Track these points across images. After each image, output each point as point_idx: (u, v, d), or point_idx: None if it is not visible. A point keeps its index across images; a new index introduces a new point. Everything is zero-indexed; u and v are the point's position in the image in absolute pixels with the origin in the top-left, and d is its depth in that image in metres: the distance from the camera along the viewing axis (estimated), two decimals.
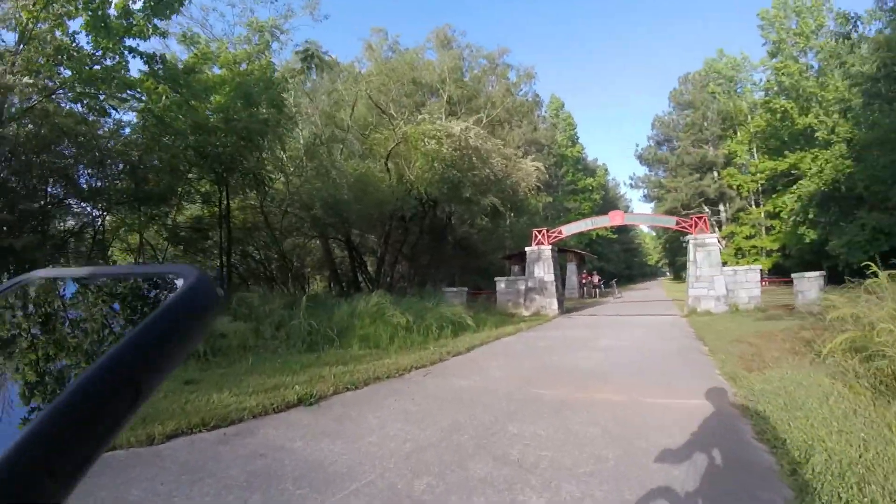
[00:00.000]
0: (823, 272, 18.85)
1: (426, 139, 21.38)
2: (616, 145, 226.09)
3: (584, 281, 38.59)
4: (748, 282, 19.53)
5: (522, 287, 22.29)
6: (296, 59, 21.60)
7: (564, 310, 22.30)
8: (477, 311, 18.71)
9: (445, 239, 31.86)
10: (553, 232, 22.67)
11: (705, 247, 19.69)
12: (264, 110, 16.49)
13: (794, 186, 38.05)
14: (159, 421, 5.54)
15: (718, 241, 19.98)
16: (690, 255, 19.83)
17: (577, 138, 63.34)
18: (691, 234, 20.17)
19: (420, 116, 23.44)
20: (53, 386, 0.60)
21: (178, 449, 5.04)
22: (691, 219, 20.74)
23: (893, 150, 28.62)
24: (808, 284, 18.27)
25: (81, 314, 0.73)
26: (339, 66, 27.44)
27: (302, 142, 23.59)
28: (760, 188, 45.89)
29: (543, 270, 21.67)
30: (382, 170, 23.93)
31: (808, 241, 36.53)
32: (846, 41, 37.50)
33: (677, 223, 21.96)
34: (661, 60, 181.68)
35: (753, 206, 48.18)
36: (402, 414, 6.26)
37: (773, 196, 43.57)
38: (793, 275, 19.14)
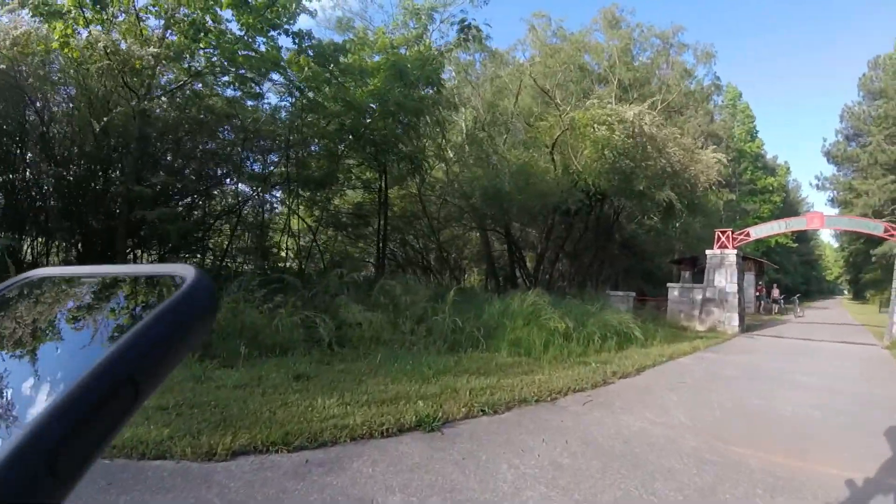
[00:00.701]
0: None
1: (595, 125, 19.67)
2: (797, 142, 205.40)
3: (758, 293, 34.19)
4: None
5: (699, 297, 19.46)
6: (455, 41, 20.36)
7: (745, 327, 19.27)
8: (644, 319, 16.56)
9: (611, 237, 29.61)
10: (739, 234, 19.69)
11: None
12: (421, 91, 15.62)
13: None
14: (234, 427, 4.44)
15: None
16: None
17: (757, 132, 57.29)
18: None
19: (588, 102, 21.35)
20: (53, 385, 0.57)
21: (237, 474, 3.81)
22: None
23: None
24: None
25: (81, 314, 0.71)
26: (501, 53, 26.26)
27: (464, 129, 22.52)
28: None
29: (725, 279, 18.80)
30: (547, 160, 22.28)
31: None
32: None
33: (886, 230, 18.14)
34: (848, 42, 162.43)
35: None
36: (550, 469, 4.38)
37: None
38: None
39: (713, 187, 26.79)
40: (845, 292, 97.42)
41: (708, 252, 19.82)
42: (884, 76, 45.12)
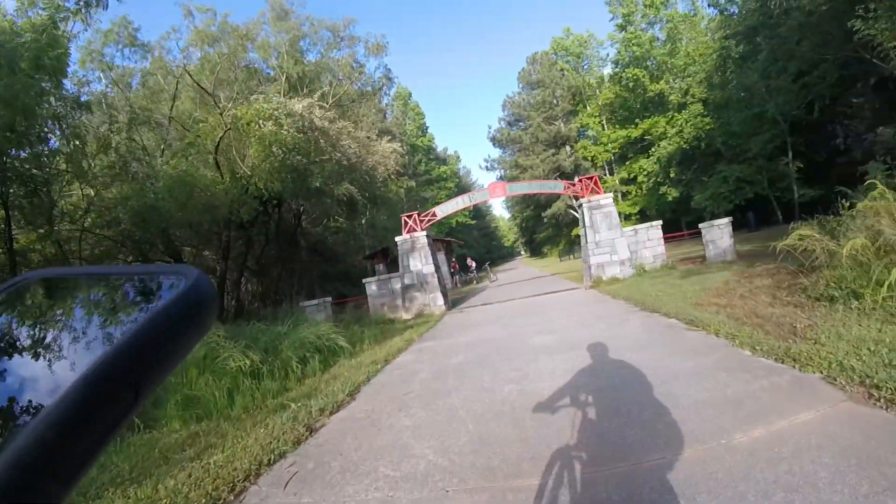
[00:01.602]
0: (731, 219, 17.07)
1: (262, 121, 17.42)
2: (467, 132, 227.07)
3: (453, 270, 35.45)
4: (650, 240, 17.27)
5: (398, 286, 18.33)
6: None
7: (451, 304, 18.72)
8: (347, 323, 14.95)
9: (297, 244, 27.54)
10: (426, 215, 19.01)
11: (601, 209, 17.08)
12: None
13: (653, 149, 39.92)
14: None
15: (614, 201, 17.37)
16: (586, 220, 17.14)
17: (427, 128, 61.79)
18: (583, 197, 17.47)
19: (253, 97, 18.96)
20: (52, 386, 0.58)
21: None
22: (580, 181, 18.04)
23: (746, 106, 31.41)
24: (719, 233, 16.48)
25: (80, 314, 0.69)
26: (152, 47, 23.11)
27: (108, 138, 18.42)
28: (613, 157, 46.32)
29: (421, 262, 17.96)
30: (212, 168, 19.38)
31: (669, 199, 38.81)
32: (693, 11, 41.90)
33: (566, 187, 19.22)
34: (506, 44, 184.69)
35: (608, 175, 48.22)
36: None
37: (627, 163, 44.77)
38: (700, 225, 17.15)
39: (392, 177, 26.50)
40: (522, 253, 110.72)
41: (398, 239, 18.73)
42: (541, 69, 52.99)
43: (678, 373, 5.27)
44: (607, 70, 49.66)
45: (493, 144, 58.56)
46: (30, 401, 0.55)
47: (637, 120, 42.80)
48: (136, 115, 19.82)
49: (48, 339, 0.67)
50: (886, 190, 7.79)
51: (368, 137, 24.46)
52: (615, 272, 16.50)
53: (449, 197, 56.30)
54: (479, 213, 79.16)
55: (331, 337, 10.67)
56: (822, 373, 4.43)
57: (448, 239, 39.94)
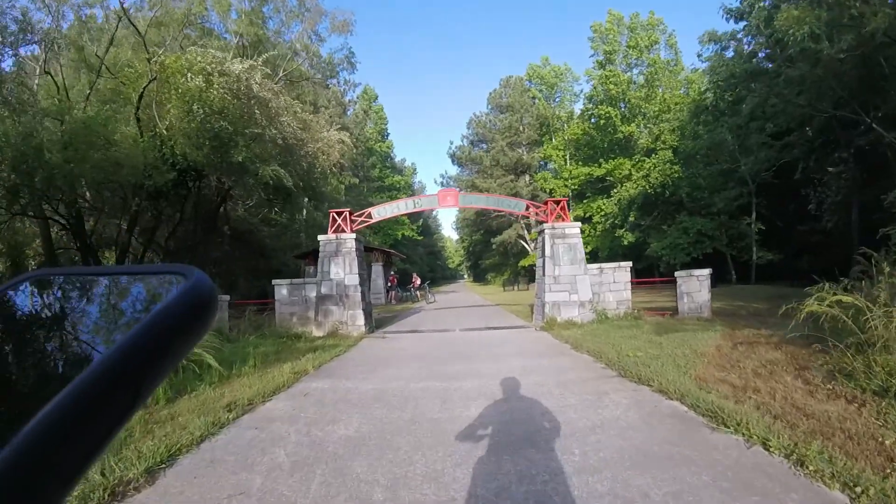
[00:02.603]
0: (710, 271, 14.76)
1: (191, 74, 14.90)
2: (427, 147, 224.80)
3: (389, 285, 32.38)
4: (616, 283, 14.70)
5: (313, 294, 14.98)
6: None
7: (373, 325, 15.49)
8: (244, 332, 12.30)
9: (216, 229, 24.21)
10: (359, 215, 15.84)
11: (566, 238, 14.41)
12: None
13: (614, 191, 38.91)
14: None
15: (581, 232, 14.85)
16: (546, 249, 14.42)
17: (388, 134, 59.04)
18: (546, 222, 14.81)
19: (190, 48, 16.09)
20: (53, 386, 0.50)
21: None
22: (546, 203, 15.35)
23: (716, 160, 32.10)
24: (697, 285, 14.25)
25: (81, 314, 0.68)
26: None
27: None
28: (571, 194, 44.88)
29: (344, 269, 14.70)
30: (132, 122, 16.51)
31: (625, 243, 37.54)
32: (674, 61, 42.04)
33: (528, 207, 16.45)
34: (482, 66, 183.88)
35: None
36: None
37: (584, 201, 43.85)
38: (677, 273, 14.81)
39: (334, 170, 23.53)
40: (466, 277, 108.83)
41: (321, 238, 15.09)
42: (512, 93, 50.98)
43: None
44: (579, 105, 48.71)
45: (453, 161, 56.22)
46: (30, 400, 0.51)
47: (601, 160, 41.54)
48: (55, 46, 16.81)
49: (48, 339, 0.66)
50: None
51: (316, 121, 21.65)
52: (573, 314, 13.86)
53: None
54: (427, 230, 76.42)
55: (201, 354, 7.62)
56: None
57: (389, 250, 36.86)
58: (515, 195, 47.77)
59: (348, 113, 45.21)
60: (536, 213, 15.72)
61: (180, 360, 0.49)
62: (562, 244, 14.28)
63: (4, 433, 0.44)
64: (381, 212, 16.27)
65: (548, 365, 8.41)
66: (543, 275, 14.44)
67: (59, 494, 0.39)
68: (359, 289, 14.51)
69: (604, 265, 15.00)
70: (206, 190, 23.35)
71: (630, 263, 15.13)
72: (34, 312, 0.71)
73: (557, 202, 15.11)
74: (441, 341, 12.10)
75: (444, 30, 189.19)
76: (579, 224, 14.85)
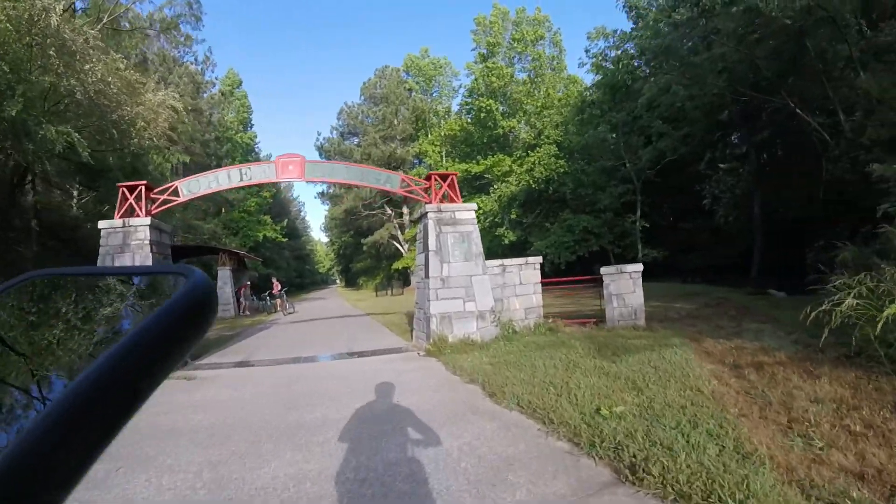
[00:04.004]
0: (642, 266, 11.13)
1: None
2: (295, 143, 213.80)
3: (241, 293, 26.83)
4: (524, 284, 10.82)
5: None
6: None
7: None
8: None
9: (13, 223, 17.98)
10: (159, 191, 10.79)
11: (457, 225, 10.32)
12: None
13: (494, 187, 36.34)
14: None
15: (475, 220, 10.78)
16: (431, 241, 10.17)
17: (252, 125, 52.31)
18: (429, 202, 10.64)
19: None
20: (53, 386, 0.58)
21: None
22: (430, 177, 11.17)
23: (601, 157, 30.23)
24: (629, 285, 10.75)
25: (81, 314, 0.69)
26: None
27: None
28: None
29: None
30: None
31: (506, 242, 34.81)
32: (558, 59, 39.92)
33: (404, 182, 11.92)
34: (355, 58, 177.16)
35: None
36: None
37: (463, 199, 39.48)
38: (603, 269, 11.10)
39: (161, 139, 18.09)
40: (337, 281, 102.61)
41: (103, 225, 9.94)
42: (388, 84, 46.88)
43: None
44: (457, 102, 45.59)
45: (320, 154, 49.94)
46: (31, 400, 0.54)
47: (479, 157, 38.75)
48: None
49: (49, 339, 0.65)
50: None
51: (139, 81, 16.36)
52: (469, 330, 9.77)
53: (261, 206, 47.85)
54: (294, 232, 69.97)
55: None
56: None
57: (239, 251, 30.81)
58: (386, 193, 43.79)
59: (203, 95, 39.54)
60: (415, 192, 11.48)
61: (181, 360, 0.46)
62: (452, 233, 10.16)
63: (5, 433, 0.46)
64: (193, 186, 10.83)
65: (458, 450, 4.20)
66: (427, 276, 10.15)
67: (59, 494, 0.38)
68: None
69: (507, 262, 10.99)
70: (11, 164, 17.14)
71: (540, 259, 11.28)
72: (34, 313, 0.70)
73: (445, 177, 10.97)
74: (276, 385, 7.54)
75: (313, 20, 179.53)
76: (474, 206, 10.82)
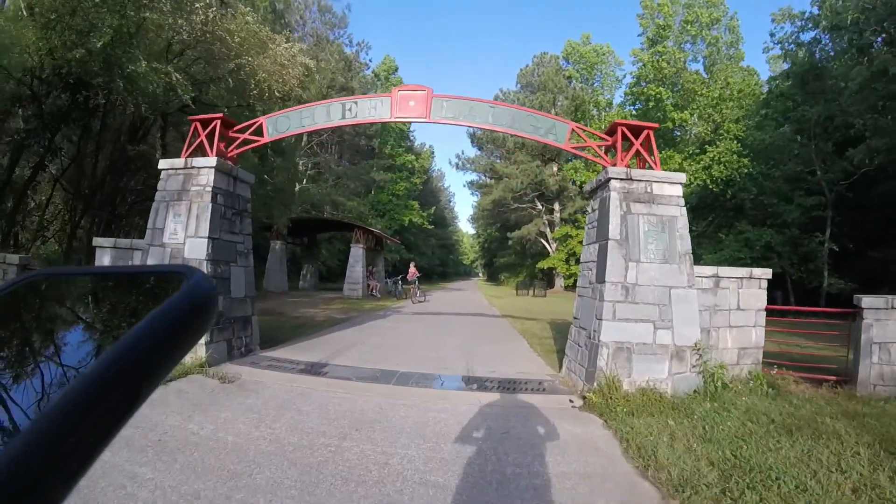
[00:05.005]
0: None
1: None
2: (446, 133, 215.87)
3: (372, 274, 25.01)
4: (743, 309, 6.88)
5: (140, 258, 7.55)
6: None
7: (247, 340, 7.82)
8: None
9: (126, 179, 17.11)
10: (242, 129, 8.02)
11: (654, 205, 6.60)
12: None
13: None
14: None
15: (680, 199, 6.83)
16: (612, 226, 6.49)
17: None
18: (616, 167, 6.91)
19: None
20: (54, 385, 0.56)
21: None
22: (616, 130, 7.33)
23: (784, 160, 25.25)
24: None
25: (82, 314, 0.69)
26: None
27: None
28: None
29: (187, 226, 7.03)
30: None
31: None
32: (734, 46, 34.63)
33: (574, 133, 7.67)
34: (510, 45, 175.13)
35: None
36: None
37: None
38: (865, 299, 6.69)
39: (286, 104, 15.66)
40: (480, 275, 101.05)
41: (163, 165, 7.49)
42: (545, 72, 43.25)
43: None
44: (619, 94, 40.88)
45: (472, 142, 47.73)
46: (33, 398, 0.53)
47: None
48: None
49: (51, 338, 0.65)
50: None
51: (270, 37, 14.49)
52: (657, 375, 6.07)
53: (409, 191, 46.31)
54: (441, 221, 68.29)
55: None
56: None
57: (374, 230, 28.52)
58: (539, 185, 40.44)
59: (356, 76, 38.60)
60: (589, 149, 7.90)
61: (181, 359, 0.47)
62: (646, 216, 6.51)
63: (6, 433, 0.47)
64: (282, 123, 7.89)
65: None
66: (601, 279, 6.49)
67: (60, 493, 0.38)
68: (211, 267, 6.97)
69: (721, 270, 7.09)
70: (112, 118, 16.19)
71: (769, 273, 7.16)
72: (35, 313, 0.69)
73: (637, 130, 7.20)
74: (324, 423, 4.53)
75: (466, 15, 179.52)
76: (682, 177, 6.94)
